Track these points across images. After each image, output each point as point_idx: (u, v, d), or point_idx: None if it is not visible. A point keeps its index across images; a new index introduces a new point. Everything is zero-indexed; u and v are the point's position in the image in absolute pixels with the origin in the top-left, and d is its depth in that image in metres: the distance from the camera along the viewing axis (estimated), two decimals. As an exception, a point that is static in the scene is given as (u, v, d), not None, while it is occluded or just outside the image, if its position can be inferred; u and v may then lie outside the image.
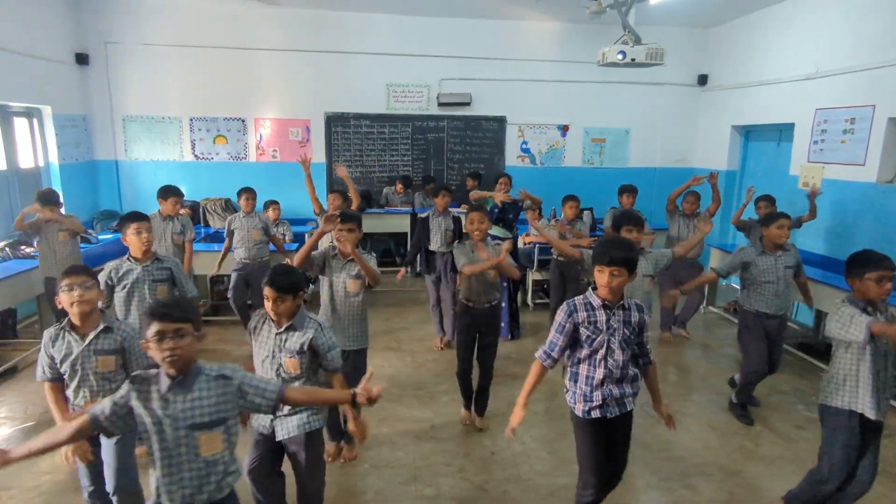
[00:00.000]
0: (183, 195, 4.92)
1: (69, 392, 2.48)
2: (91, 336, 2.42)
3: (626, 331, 2.39)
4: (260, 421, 2.50)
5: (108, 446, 2.49)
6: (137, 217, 3.25)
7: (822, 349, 5.36)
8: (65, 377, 2.45)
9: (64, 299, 2.39)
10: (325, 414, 2.56)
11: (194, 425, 1.78)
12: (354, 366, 3.30)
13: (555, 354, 2.42)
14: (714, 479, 3.35)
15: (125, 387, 1.81)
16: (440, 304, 5.21)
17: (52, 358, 2.42)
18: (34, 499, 3.04)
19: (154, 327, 1.75)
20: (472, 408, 3.89)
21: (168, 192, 4.80)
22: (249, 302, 5.27)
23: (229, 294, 5.24)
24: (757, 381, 4.00)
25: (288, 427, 2.46)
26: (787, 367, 5.01)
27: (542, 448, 3.63)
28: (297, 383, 2.43)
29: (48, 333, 2.44)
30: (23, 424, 3.78)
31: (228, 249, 5.15)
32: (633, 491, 3.16)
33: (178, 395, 1.79)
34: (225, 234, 5.18)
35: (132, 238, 3.20)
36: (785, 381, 4.70)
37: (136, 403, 1.79)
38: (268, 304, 2.38)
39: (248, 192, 5.15)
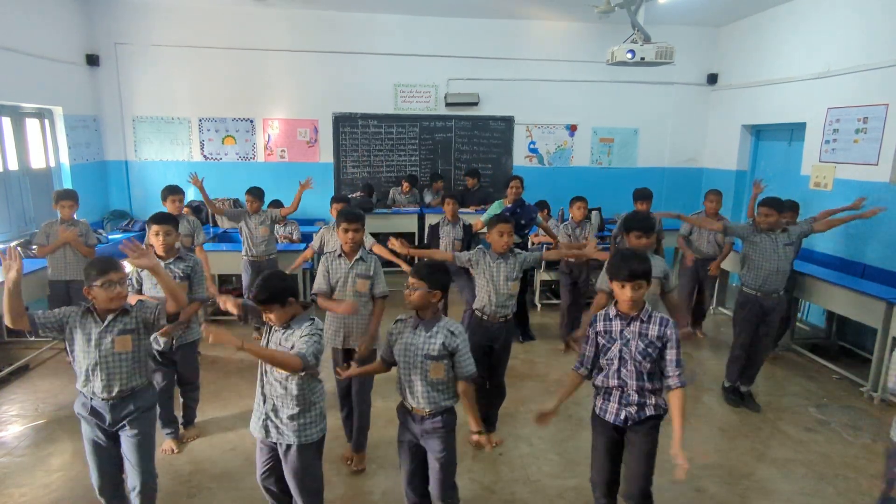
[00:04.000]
0: (181, 192, 4.87)
1: (80, 376, 2.48)
2: (110, 318, 2.45)
3: (640, 343, 2.38)
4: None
5: (130, 443, 2.52)
6: (158, 219, 3.32)
7: (832, 351, 5.31)
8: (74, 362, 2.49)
9: (101, 295, 2.39)
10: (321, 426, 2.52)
11: None
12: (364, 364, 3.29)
13: (586, 363, 2.53)
14: (724, 481, 3.33)
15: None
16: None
17: (61, 323, 2.44)
18: (45, 496, 3.07)
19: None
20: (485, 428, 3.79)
21: (166, 192, 4.78)
22: None
23: (245, 296, 5.28)
24: (742, 357, 4.14)
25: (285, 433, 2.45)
26: (798, 368, 4.97)
27: (551, 449, 3.61)
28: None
29: (79, 309, 2.49)
30: (34, 422, 3.82)
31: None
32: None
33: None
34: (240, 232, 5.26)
35: (152, 239, 3.31)
36: (795, 384, 4.66)
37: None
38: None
39: (249, 193, 5.18)
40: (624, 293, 2.37)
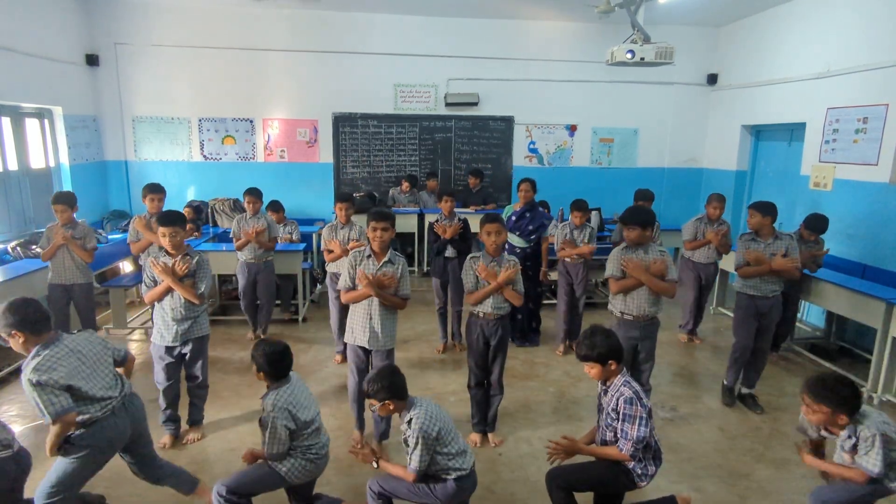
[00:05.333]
0: (161, 191, 4.73)
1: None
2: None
3: (604, 414, 2.62)
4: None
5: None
6: (164, 222, 3.37)
7: (832, 351, 5.31)
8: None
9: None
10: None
11: None
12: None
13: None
14: (723, 481, 3.33)
15: None
16: (446, 308, 5.14)
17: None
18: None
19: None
20: (483, 427, 3.73)
21: (146, 191, 4.70)
22: (258, 302, 5.33)
23: (241, 298, 5.30)
24: (743, 358, 4.18)
25: None
26: (797, 369, 4.97)
27: (550, 449, 3.60)
28: None
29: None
30: (33, 422, 3.81)
31: (244, 243, 5.09)
32: (640, 493, 3.13)
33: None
34: (232, 236, 5.18)
35: (160, 240, 3.42)
36: (794, 384, 4.65)
37: None
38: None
39: (250, 194, 5.14)
40: (585, 368, 2.63)
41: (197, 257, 3.47)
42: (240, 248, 5.12)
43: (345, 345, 4.62)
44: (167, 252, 3.42)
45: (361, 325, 3.35)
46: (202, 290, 3.44)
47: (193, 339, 3.48)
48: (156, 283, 3.41)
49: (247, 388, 4.38)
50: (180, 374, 3.59)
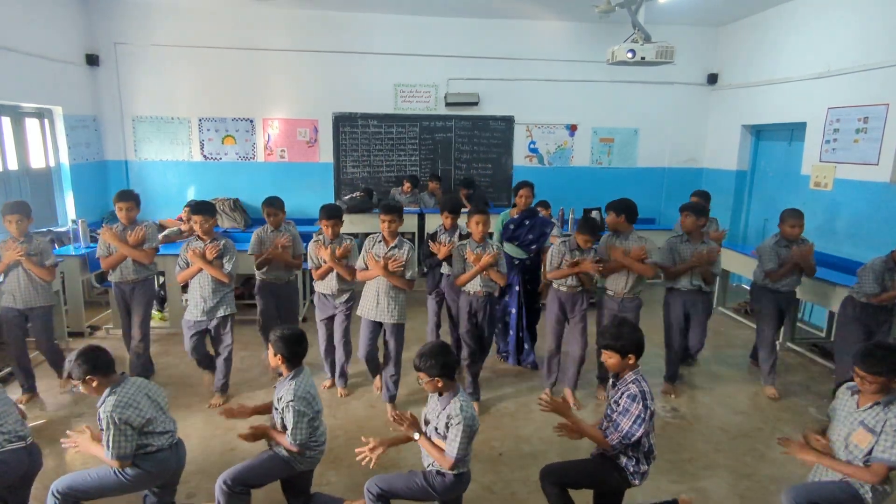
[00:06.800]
0: (130, 198, 4.11)
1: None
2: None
3: (609, 410, 2.64)
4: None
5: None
6: (196, 210, 3.91)
7: (832, 351, 5.30)
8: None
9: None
10: None
11: None
12: (396, 338, 3.90)
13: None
14: (724, 481, 3.33)
15: None
16: (439, 328, 4.53)
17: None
18: (45, 496, 3.04)
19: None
20: (478, 397, 4.15)
21: (115, 198, 4.13)
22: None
23: (259, 319, 4.51)
24: (675, 349, 4.42)
25: None
26: (799, 368, 4.96)
27: (551, 449, 3.61)
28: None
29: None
30: (34, 422, 3.80)
31: (266, 261, 4.30)
32: (641, 495, 3.13)
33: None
34: (251, 251, 4.30)
35: (194, 226, 3.95)
36: (796, 384, 4.66)
37: None
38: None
39: (271, 205, 4.29)
40: (603, 356, 2.63)
41: (224, 241, 3.95)
42: (260, 267, 4.32)
43: (333, 370, 4.37)
44: (199, 237, 3.91)
45: (373, 301, 3.86)
46: (229, 269, 3.90)
47: (220, 317, 3.97)
48: (188, 265, 3.93)
49: (247, 388, 4.38)
50: (205, 343, 4.08)
